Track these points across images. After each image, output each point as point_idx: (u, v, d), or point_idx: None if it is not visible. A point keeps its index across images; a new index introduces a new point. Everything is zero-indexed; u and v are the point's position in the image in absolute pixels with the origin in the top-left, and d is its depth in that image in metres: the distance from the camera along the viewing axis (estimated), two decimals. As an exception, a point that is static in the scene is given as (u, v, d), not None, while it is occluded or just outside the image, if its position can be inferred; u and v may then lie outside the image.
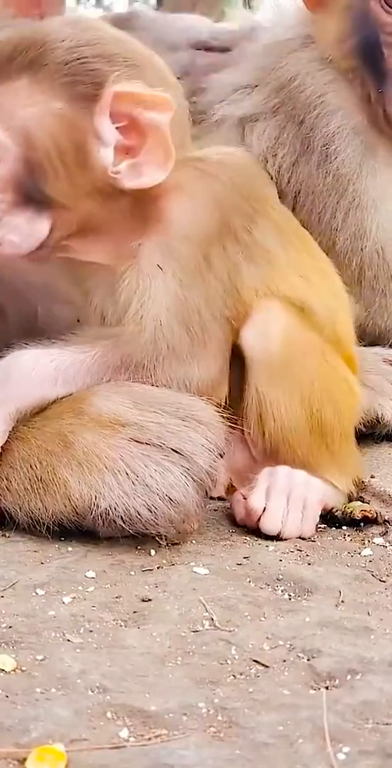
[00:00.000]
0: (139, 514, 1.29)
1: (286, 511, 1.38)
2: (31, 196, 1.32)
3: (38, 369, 1.34)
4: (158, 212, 1.36)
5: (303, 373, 1.41)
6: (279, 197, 1.76)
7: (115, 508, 1.29)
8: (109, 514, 1.30)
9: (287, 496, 1.39)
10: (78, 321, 1.57)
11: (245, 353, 1.40)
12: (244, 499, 1.39)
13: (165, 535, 1.31)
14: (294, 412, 1.40)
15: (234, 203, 1.41)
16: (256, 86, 1.87)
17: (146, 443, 1.31)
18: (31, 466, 1.33)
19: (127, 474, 1.30)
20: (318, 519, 1.41)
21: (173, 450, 1.31)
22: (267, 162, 1.82)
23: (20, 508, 1.33)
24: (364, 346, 1.77)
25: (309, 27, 1.86)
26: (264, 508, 1.38)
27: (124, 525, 1.29)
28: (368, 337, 1.82)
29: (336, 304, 1.51)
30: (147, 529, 1.30)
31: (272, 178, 1.79)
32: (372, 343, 1.82)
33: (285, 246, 1.45)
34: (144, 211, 1.36)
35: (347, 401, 1.47)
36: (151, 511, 1.29)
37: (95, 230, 1.36)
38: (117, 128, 1.32)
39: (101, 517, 1.30)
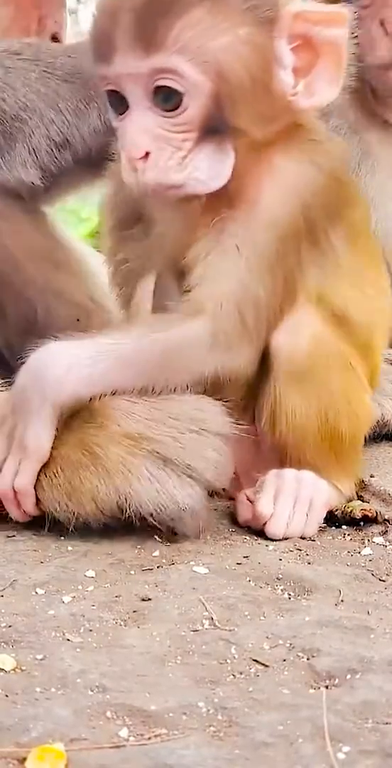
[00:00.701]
0: (165, 508, 1.31)
1: (292, 514, 1.38)
2: (217, 130, 1.28)
3: (74, 367, 1.31)
4: (257, 180, 1.33)
5: (324, 383, 1.39)
6: None
7: (146, 504, 1.31)
8: (139, 512, 1.31)
9: (294, 500, 1.39)
10: (77, 321, 1.57)
11: (271, 350, 1.38)
12: (250, 501, 1.39)
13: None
14: (309, 418, 1.39)
15: (329, 201, 1.37)
16: None
17: (163, 458, 1.33)
18: (55, 474, 1.34)
19: (149, 480, 1.31)
20: (321, 520, 1.41)
21: (187, 466, 1.33)
22: None
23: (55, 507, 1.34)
24: None
25: None
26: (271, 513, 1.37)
27: (153, 520, 1.32)
28: None
29: (380, 319, 1.49)
30: (173, 522, 1.33)
31: None
32: None
33: (354, 255, 1.42)
34: (248, 168, 1.33)
35: (363, 414, 1.47)
36: (178, 509, 1.32)
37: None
38: (291, 49, 1.30)
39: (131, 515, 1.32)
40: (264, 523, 1.37)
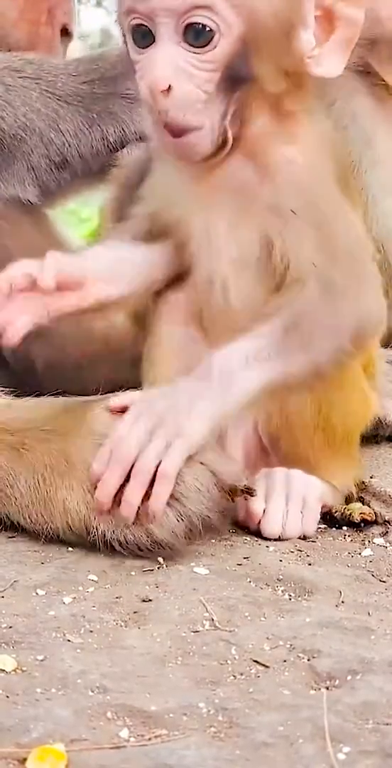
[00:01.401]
0: (128, 543, 1.29)
1: (286, 512, 1.38)
2: (238, 77, 1.29)
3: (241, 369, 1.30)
4: (282, 137, 1.34)
5: None
6: None
7: (111, 533, 1.29)
8: (105, 537, 1.30)
9: (286, 497, 1.39)
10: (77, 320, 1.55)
11: None
12: (245, 500, 1.39)
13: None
14: (303, 409, 1.39)
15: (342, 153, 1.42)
16: None
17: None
18: (35, 480, 1.33)
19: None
20: (318, 517, 1.41)
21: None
22: None
23: (22, 517, 1.34)
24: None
25: None
26: (264, 511, 1.37)
27: (120, 548, 1.30)
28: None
29: None
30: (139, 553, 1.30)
31: None
32: (383, 344, 1.81)
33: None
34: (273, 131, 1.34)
35: (359, 408, 1.46)
36: (139, 545, 1.29)
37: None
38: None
39: (98, 539, 1.30)
40: (259, 522, 1.37)
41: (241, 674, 1.08)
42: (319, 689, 1.06)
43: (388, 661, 1.09)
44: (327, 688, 1.06)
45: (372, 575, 1.30)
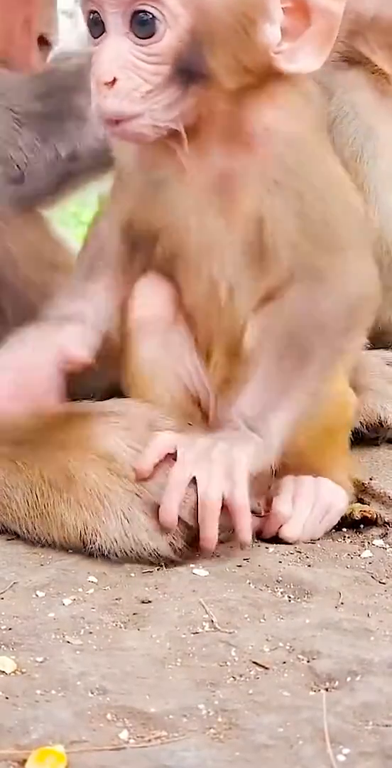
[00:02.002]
0: (127, 554, 1.29)
1: (309, 518, 1.38)
2: (190, 71, 1.25)
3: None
4: (254, 123, 1.31)
5: None
6: None
7: (108, 547, 1.29)
8: (101, 550, 1.30)
9: (312, 504, 1.38)
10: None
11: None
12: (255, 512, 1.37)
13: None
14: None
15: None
16: None
17: (141, 497, 1.31)
18: (33, 494, 1.33)
19: (121, 521, 1.30)
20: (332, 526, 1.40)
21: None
22: None
23: (19, 528, 1.34)
24: (368, 343, 1.77)
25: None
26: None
27: (117, 559, 1.30)
28: (370, 332, 1.81)
29: None
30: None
31: None
32: (376, 338, 1.81)
33: None
34: (238, 118, 1.30)
35: (346, 403, 1.47)
36: (139, 555, 1.29)
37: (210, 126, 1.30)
38: (283, 9, 1.27)
39: (95, 552, 1.30)
40: (280, 526, 1.36)
41: (241, 675, 1.08)
42: (319, 690, 1.06)
43: (388, 662, 1.09)
44: (327, 690, 1.06)
45: (372, 577, 1.30)
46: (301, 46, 1.28)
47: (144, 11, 1.24)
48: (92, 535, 1.30)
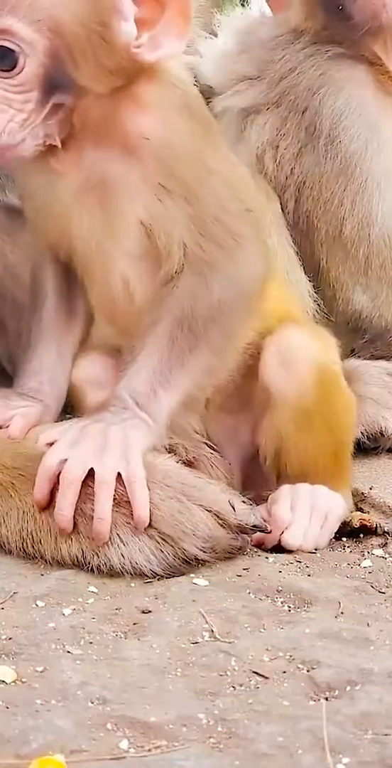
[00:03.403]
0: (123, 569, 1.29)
1: (308, 526, 1.38)
2: (60, 87, 1.28)
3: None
4: (133, 124, 1.32)
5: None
6: (280, 189, 1.77)
7: (105, 565, 1.29)
8: (99, 567, 1.29)
9: (310, 511, 1.38)
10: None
11: (269, 389, 1.40)
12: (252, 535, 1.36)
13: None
14: (301, 426, 1.40)
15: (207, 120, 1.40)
16: (258, 78, 1.85)
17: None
18: (25, 521, 1.33)
19: (117, 546, 1.30)
20: (333, 534, 1.41)
21: (164, 534, 1.29)
22: (265, 154, 1.81)
23: (14, 549, 1.34)
24: (369, 339, 1.77)
25: (291, 21, 1.86)
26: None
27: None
28: (373, 330, 1.80)
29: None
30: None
31: (269, 171, 1.79)
32: (377, 336, 1.81)
33: None
34: (116, 119, 1.32)
35: (348, 413, 1.47)
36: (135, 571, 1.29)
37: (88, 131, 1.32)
38: (134, 1, 1.28)
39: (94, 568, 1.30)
40: (282, 533, 1.37)
41: (241, 685, 1.08)
42: (319, 700, 1.06)
43: (387, 671, 1.09)
44: (327, 699, 1.06)
45: (372, 586, 1.30)
46: (161, 33, 1.30)
47: (0, 46, 1.27)
48: (90, 557, 1.30)
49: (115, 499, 1.28)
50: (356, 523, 1.41)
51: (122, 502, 1.29)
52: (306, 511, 1.38)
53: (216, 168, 1.36)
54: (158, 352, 1.32)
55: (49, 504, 1.31)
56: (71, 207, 1.35)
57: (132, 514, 1.28)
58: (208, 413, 1.41)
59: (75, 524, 1.29)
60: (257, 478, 1.44)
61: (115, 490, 1.28)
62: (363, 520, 1.41)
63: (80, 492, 1.29)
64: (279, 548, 1.37)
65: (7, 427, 1.38)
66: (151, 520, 1.28)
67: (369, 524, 1.41)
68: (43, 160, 1.33)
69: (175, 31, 1.30)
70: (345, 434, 1.44)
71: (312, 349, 1.41)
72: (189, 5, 1.30)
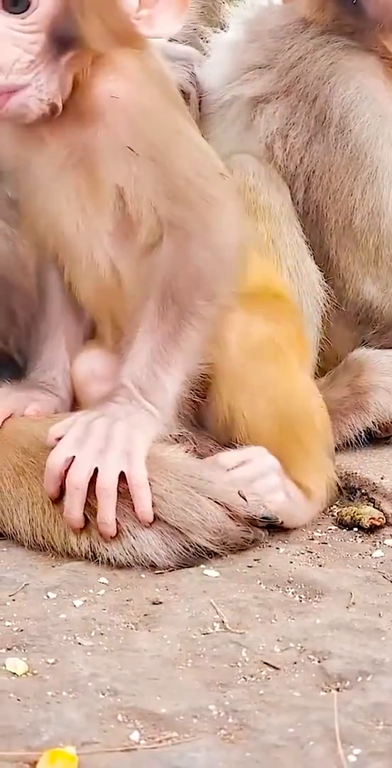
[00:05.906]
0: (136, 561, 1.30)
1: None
2: (64, 39, 1.30)
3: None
4: (101, 92, 1.34)
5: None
6: (290, 179, 1.76)
7: (114, 559, 1.30)
8: (109, 561, 1.30)
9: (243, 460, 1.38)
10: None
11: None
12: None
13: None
14: (263, 409, 1.39)
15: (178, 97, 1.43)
16: (267, 66, 1.85)
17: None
18: (35, 511, 1.34)
19: (126, 538, 1.30)
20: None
21: (172, 526, 1.29)
22: (275, 143, 1.80)
23: (24, 540, 1.34)
24: (380, 329, 1.77)
25: (301, 11, 1.85)
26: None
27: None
28: (385, 320, 1.80)
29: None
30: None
31: (279, 160, 1.78)
32: (388, 326, 1.80)
33: None
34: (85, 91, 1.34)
35: (308, 407, 1.45)
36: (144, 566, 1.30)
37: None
38: None
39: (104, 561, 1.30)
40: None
41: (252, 676, 1.08)
42: (330, 691, 1.06)
43: (399, 662, 1.09)
44: (338, 690, 1.06)
45: (383, 576, 1.30)
46: (158, 13, 1.35)
47: None
48: (99, 549, 1.30)
49: (122, 493, 1.28)
50: (366, 524, 1.41)
51: (130, 496, 1.29)
52: (241, 457, 1.38)
53: (186, 132, 1.38)
54: (150, 330, 1.34)
55: (60, 496, 1.31)
56: (56, 187, 1.36)
57: None
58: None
59: (85, 518, 1.29)
60: None
61: (122, 486, 1.29)
62: (373, 519, 1.41)
63: (87, 489, 1.29)
64: (290, 539, 1.37)
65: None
66: (159, 512, 1.28)
67: (378, 523, 1.41)
68: (32, 132, 1.34)
69: (171, 13, 1.34)
70: (294, 411, 1.42)
71: (244, 322, 1.40)
72: None
